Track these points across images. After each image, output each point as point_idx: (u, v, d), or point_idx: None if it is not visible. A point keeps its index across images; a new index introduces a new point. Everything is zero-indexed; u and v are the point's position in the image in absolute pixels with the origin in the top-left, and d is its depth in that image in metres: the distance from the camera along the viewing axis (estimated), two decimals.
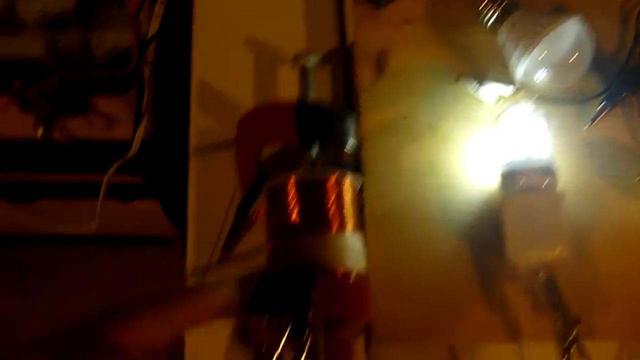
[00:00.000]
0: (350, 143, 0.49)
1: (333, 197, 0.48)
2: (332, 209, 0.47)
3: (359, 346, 0.52)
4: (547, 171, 0.50)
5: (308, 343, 0.44)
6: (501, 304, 0.51)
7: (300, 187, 0.47)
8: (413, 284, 0.51)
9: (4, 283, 1.46)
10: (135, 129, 1.00)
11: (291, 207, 0.47)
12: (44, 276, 1.46)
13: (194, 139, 0.57)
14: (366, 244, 0.46)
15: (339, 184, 0.48)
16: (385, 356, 0.52)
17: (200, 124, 0.58)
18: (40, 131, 0.95)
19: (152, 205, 1.21)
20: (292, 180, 0.47)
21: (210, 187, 0.57)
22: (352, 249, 0.46)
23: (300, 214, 0.46)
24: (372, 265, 0.44)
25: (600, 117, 0.56)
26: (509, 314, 0.51)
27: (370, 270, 0.44)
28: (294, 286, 0.41)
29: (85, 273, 1.47)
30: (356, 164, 0.52)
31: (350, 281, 0.42)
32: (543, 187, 0.50)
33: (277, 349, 0.43)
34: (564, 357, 0.48)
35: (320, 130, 0.47)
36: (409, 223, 0.53)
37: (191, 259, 0.53)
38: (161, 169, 1.10)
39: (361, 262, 0.46)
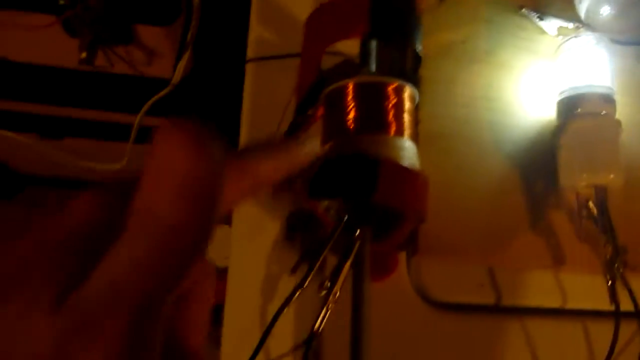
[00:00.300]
0: (418, 49, 0.49)
1: (392, 102, 0.48)
2: (391, 113, 0.48)
3: (401, 258, 0.52)
4: (606, 99, 0.50)
5: (357, 244, 0.45)
6: (546, 230, 0.51)
7: (360, 90, 0.47)
8: (461, 202, 0.51)
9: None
10: (175, 65, 1.00)
11: (350, 107, 0.47)
12: None
13: (251, 49, 0.58)
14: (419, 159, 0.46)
15: (399, 92, 0.48)
16: (425, 269, 0.52)
17: (258, 34, 0.58)
18: (83, 55, 0.96)
19: None
20: (351, 84, 0.48)
21: (265, 98, 0.57)
22: (410, 151, 0.46)
23: (358, 114, 0.47)
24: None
25: None
26: (554, 240, 0.51)
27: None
28: (359, 169, 0.41)
29: None
30: (416, 80, 0.52)
31: (413, 173, 0.42)
32: (601, 115, 0.49)
33: (328, 243, 0.44)
34: (608, 282, 0.48)
35: (394, 25, 0.47)
36: (461, 143, 0.53)
37: None
38: (199, 112, 1.11)
39: (417, 165, 0.46)
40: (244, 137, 0.55)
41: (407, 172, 0.42)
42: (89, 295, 0.16)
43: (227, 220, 0.66)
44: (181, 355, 0.23)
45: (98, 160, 1.19)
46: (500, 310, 0.53)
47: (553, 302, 0.53)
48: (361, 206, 0.45)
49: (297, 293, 0.42)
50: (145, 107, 1.04)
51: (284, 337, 0.50)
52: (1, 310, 0.16)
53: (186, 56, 1.00)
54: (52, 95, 1.16)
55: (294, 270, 0.41)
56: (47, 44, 1.05)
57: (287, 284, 0.49)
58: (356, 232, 0.45)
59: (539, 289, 0.53)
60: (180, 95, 1.03)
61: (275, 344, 0.49)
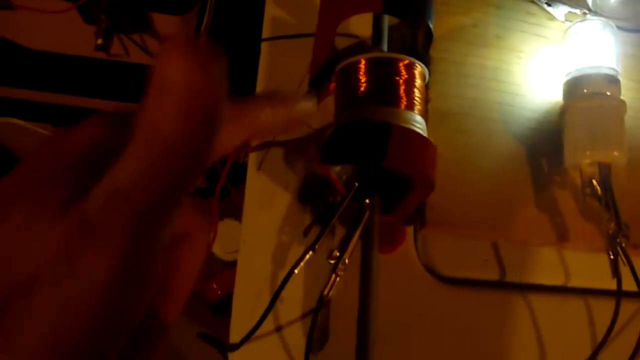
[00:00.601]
0: (430, 28, 0.51)
1: (403, 78, 0.50)
2: (402, 88, 0.49)
3: (409, 232, 0.54)
4: (610, 80, 0.51)
5: (366, 214, 0.46)
6: (551, 208, 0.53)
7: (372, 64, 0.49)
8: (468, 179, 0.52)
9: None
10: None
11: (362, 81, 0.49)
12: None
13: (266, 28, 0.59)
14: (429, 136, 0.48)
15: (410, 68, 0.50)
16: (431, 243, 0.54)
17: (273, 13, 0.60)
18: (99, 41, 0.97)
19: None
20: (364, 59, 0.49)
21: (279, 77, 0.59)
22: (420, 125, 0.48)
23: (370, 88, 0.48)
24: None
25: None
26: (558, 218, 0.53)
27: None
28: (371, 134, 0.42)
29: None
30: (426, 59, 0.54)
31: (423, 140, 0.44)
32: (607, 95, 0.51)
33: (339, 208, 0.45)
34: (611, 258, 0.49)
35: (407, 3, 0.49)
36: (470, 122, 0.54)
37: None
38: None
39: (424, 135, 0.47)
40: None
41: (417, 137, 0.44)
42: (94, 202, 0.17)
43: (236, 216, 0.67)
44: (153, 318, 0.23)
45: None
46: (503, 286, 0.54)
47: (556, 279, 0.54)
48: (372, 173, 0.46)
49: (307, 256, 0.44)
50: None
51: (294, 303, 0.51)
52: (7, 217, 0.17)
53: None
54: (67, 84, 1.18)
55: (305, 233, 0.43)
56: (63, 30, 1.07)
57: (297, 252, 0.51)
58: (365, 201, 0.47)
59: (543, 265, 0.54)
60: None
61: (285, 310, 0.51)
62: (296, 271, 0.43)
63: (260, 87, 0.58)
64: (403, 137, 0.42)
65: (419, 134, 0.44)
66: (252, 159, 0.55)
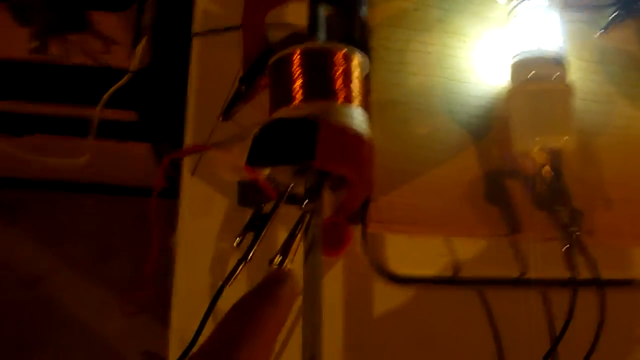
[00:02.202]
0: (363, 13, 0.47)
1: (341, 69, 0.47)
2: (339, 80, 0.46)
3: (356, 232, 0.51)
4: (558, 62, 0.49)
5: (307, 217, 0.43)
6: (503, 198, 0.50)
7: (307, 57, 0.46)
8: (416, 172, 0.50)
9: None
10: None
11: (296, 75, 0.46)
12: (32, 219, 1.44)
13: (197, 22, 0.56)
14: (371, 129, 0.45)
15: (348, 59, 0.47)
16: (381, 240, 0.51)
17: (203, 7, 0.56)
18: (34, 44, 0.92)
19: (144, 149, 1.19)
20: (298, 51, 0.46)
21: (212, 71, 0.55)
22: (358, 118, 0.45)
23: (305, 82, 0.45)
24: (376, 151, 0.43)
25: (613, 25, 0.55)
26: (510, 208, 0.50)
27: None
28: (297, 133, 0.39)
29: (73, 220, 1.45)
30: (365, 48, 0.51)
31: (355, 136, 0.41)
32: (553, 78, 0.48)
33: (271, 214, 0.42)
34: (564, 247, 0.47)
35: None
36: (414, 112, 0.51)
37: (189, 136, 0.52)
38: (157, 105, 1.08)
39: (366, 132, 0.44)
40: (190, 114, 0.53)
41: (348, 134, 0.41)
42: None
43: None
44: None
45: (62, 156, 1.16)
46: (458, 283, 0.51)
47: (511, 272, 0.52)
48: (305, 174, 0.43)
49: (241, 267, 0.40)
50: (104, 98, 1.01)
51: None
52: None
53: (143, 42, 0.97)
54: (9, 89, 1.12)
55: (238, 243, 0.40)
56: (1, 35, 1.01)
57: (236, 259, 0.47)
58: (304, 203, 0.44)
59: (496, 258, 0.52)
60: (142, 85, 1.00)
61: None
62: (229, 286, 0.40)
63: (193, 85, 0.55)
64: (332, 134, 0.39)
65: (350, 130, 0.41)
66: (187, 163, 0.51)
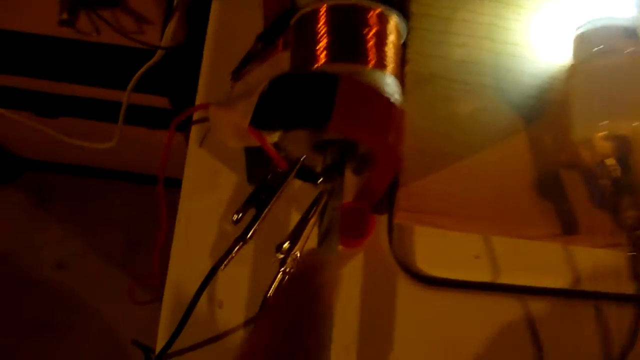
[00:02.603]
0: None
1: (374, 30, 0.40)
2: (371, 42, 0.39)
3: (381, 221, 0.44)
4: (630, 34, 0.41)
5: (324, 201, 0.37)
6: (557, 193, 0.43)
7: (335, 13, 0.39)
8: (455, 157, 0.43)
9: (24, 206, 1.44)
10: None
11: (321, 34, 0.39)
12: (64, 204, 1.43)
13: None
14: (405, 104, 0.38)
15: (383, 20, 0.40)
16: (409, 234, 0.44)
17: None
18: (64, 15, 0.89)
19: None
20: (325, 6, 0.40)
21: (230, 32, 0.49)
22: (390, 86, 0.38)
23: (331, 42, 0.39)
24: (409, 130, 0.36)
25: None
26: (565, 205, 0.42)
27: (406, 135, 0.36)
28: (312, 89, 0.32)
29: (105, 208, 1.44)
30: (404, 13, 0.44)
31: (383, 98, 0.34)
32: (625, 52, 0.41)
33: (277, 190, 0.35)
34: (631, 255, 0.39)
35: None
36: (457, 88, 0.44)
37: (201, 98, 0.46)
38: (190, 92, 1.03)
39: (398, 100, 0.38)
40: (204, 76, 0.47)
41: (375, 93, 0.34)
42: None
43: None
44: None
45: (91, 140, 1.14)
46: (497, 289, 0.44)
47: (561, 281, 0.44)
48: (324, 149, 0.36)
49: (238, 248, 0.34)
50: (134, 79, 0.97)
51: (235, 307, 0.42)
52: None
53: (174, 21, 0.92)
54: (39, 67, 1.10)
55: (236, 220, 0.33)
56: (27, 6, 0.98)
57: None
58: (319, 180, 0.37)
59: (545, 264, 0.44)
60: (175, 68, 0.95)
61: (225, 315, 0.41)
62: (222, 268, 0.33)
63: (209, 45, 0.49)
64: (355, 91, 0.33)
65: (378, 90, 0.34)
66: (194, 133, 0.45)
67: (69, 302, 1.34)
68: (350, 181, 0.44)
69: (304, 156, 0.35)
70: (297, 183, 0.42)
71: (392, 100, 0.33)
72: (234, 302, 0.41)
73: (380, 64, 0.39)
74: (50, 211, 1.45)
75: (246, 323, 0.41)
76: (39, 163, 1.44)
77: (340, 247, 0.43)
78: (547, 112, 0.44)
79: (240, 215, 0.33)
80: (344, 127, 0.31)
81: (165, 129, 0.48)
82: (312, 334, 0.24)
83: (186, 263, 0.42)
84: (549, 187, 0.43)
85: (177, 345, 0.40)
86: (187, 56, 0.97)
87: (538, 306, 0.44)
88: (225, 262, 0.33)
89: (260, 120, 0.32)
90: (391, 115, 0.33)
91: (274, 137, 0.33)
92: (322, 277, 0.26)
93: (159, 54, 0.92)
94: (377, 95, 0.32)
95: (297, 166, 0.34)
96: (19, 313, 1.34)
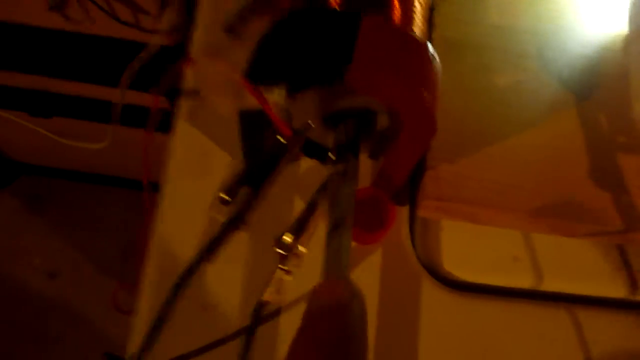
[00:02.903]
0: None
1: None
2: None
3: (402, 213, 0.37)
4: None
5: (335, 185, 0.29)
6: (615, 183, 0.35)
7: None
8: (490, 135, 0.35)
9: (18, 211, 1.40)
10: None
11: None
12: (59, 210, 1.39)
13: None
14: None
15: None
16: (434, 233, 0.37)
17: None
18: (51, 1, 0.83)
19: None
20: None
21: None
22: None
23: None
24: (439, 105, 0.29)
25: None
26: (625, 198, 0.35)
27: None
28: (327, 29, 0.25)
29: (100, 214, 1.40)
30: None
31: (416, 41, 0.26)
32: None
33: (280, 160, 0.28)
34: None
35: None
36: (493, 57, 0.37)
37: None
38: None
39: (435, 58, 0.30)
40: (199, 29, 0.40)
41: (407, 37, 0.27)
42: None
43: None
44: None
45: (85, 141, 1.08)
46: (540, 297, 0.37)
47: (616, 289, 0.37)
48: (337, 124, 0.29)
49: (225, 237, 0.27)
50: (127, 74, 0.90)
51: (228, 311, 0.34)
52: None
53: (171, 10, 0.86)
54: (30, 62, 1.05)
55: (225, 202, 0.26)
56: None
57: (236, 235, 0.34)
58: (329, 158, 0.30)
59: (598, 269, 0.37)
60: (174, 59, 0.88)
61: (216, 320, 0.34)
62: (207, 261, 0.26)
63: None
64: (380, 34, 0.25)
65: (409, 32, 0.27)
66: (183, 106, 0.38)
67: (61, 312, 1.31)
68: (366, 164, 0.37)
69: (312, 124, 0.27)
70: (303, 163, 0.35)
71: (430, 51, 0.26)
72: (222, 305, 0.34)
73: (407, 21, 0.31)
74: (44, 217, 1.41)
75: (237, 333, 0.34)
76: (33, 167, 1.40)
77: (353, 244, 0.35)
78: (599, 86, 0.37)
79: (230, 192, 0.26)
80: (367, 75, 0.24)
81: (165, 132, 0.42)
82: None
83: (167, 259, 0.35)
84: (604, 176, 0.36)
85: (155, 357, 0.33)
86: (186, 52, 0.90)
87: (588, 318, 0.36)
88: (210, 254, 0.26)
89: (259, 72, 0.25)
90: (426, 65, 0.26)
91: (275, 96, 0.26)
92: (351, 314, 0.21)
93: (154, 47, 0.86)
94: (410, 39, 0.25)
95: (305, 134, 0.26)
96: (10, 322, 1.29)
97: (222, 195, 0.26)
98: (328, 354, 0.19)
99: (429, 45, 0.26)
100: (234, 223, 0.26)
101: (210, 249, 0.25)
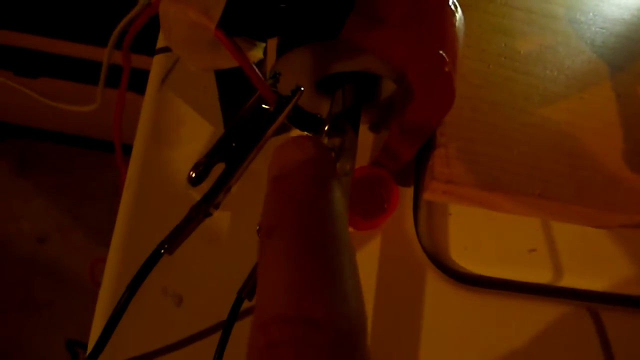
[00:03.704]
0: None
1: None
2: None
3: (405, 195, 0.32)
4: None
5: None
6: None
7: None
8: (514, 110, 0.30)
9: (7, 175, 1.36)
10: None
11: None
12: (48, 174, 1.35)
13: None
14: None
15: None
16: (443, 215, 0.32)
17: None
18: None
19: None
20: None
21: None
22: None
23: None
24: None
25: None
26: None
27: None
28: None
29: (90, 179, 1.36)
30: None
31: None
32: None
33: (264, 131, 0.23)
34: None
35: None
36: (516, 18, 0.32)
37: None
38: None
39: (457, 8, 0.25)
40: None
41: None
42: None
43: None
44: None
45: (73, 103, 1.03)
46: (559, 293, 0.32)
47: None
48: (331, 79, 0.24)
49: (195, 222, 0.22)
50: (115, 33, 0.84)
51: (201, 306, 0.30)
52: None
53: None
54: (21, 19, 1.00)
55: (195, 180, 0.21)
56: None
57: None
58: (324, 127, 0.25)
59: (625, 262, 0.33)
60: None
61: (187, 316, 0.30)
62: (172, 250, 0.21)
63: None
64: None
65: None
66: (155, 68, 0.33)
67: (50, 277, 1.29)
68: (366, 138, 0.32)
69: (301, 89, 0.22)
70: (293, 135, 0.30)
71: (451, 0, 0.21)
72: (198, 297, 0.30)
73: None
74: (33, 181, 1.37)
75: (214, 328, 0.29)
76: (21, 129, 1.36)
77: (350, 229, 0.31)
78: (638, 55, 0.32)
79: (202, 170, 0.21)
80: (371, 27, 0.19)
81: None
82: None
83: (136, 242, 0.30)
84: None
85: (123, 353, 0.29)
86: None
87: (612, 319, 0.32)
88: (176, 241, 0.21)
89: (236, 20, 0.19)
90: (447, 19, 0.21)
91: (257, 52, 0.21)
92: (327, 169, 0.17)
93: (145, 4, 0.80)
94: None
95: (294, 100, 0.22)
96: None
97: (192, 172, 0.21)
98: (303, 213, 0.16)
99: None
100: (202, 209, 0.21)
101: (170, 240, 0.21)
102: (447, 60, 0.20)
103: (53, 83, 1.08)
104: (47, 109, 1.04)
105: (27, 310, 1.27)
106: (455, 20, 0.21)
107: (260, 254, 0.16)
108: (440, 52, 0.20)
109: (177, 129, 0.32)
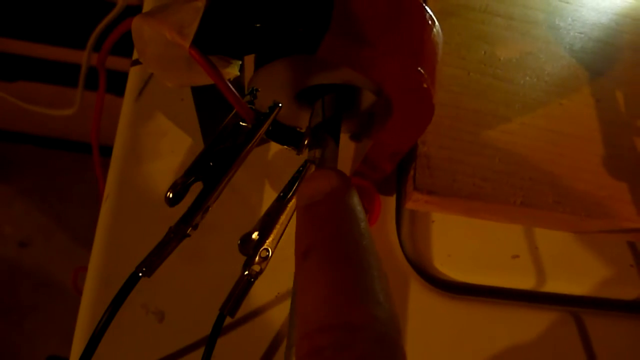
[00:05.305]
0: None
1: None
2: None
3: (387, 204, 0.32)
4: None
5: (306, 167, 0.25)
6: (629, 171, 0.31)
7: None
8: (495, 118, 0.30)
9: None
10: None
11: None
12: (29, 177, 1.34)
13: None
14: None
15: None
16: (424, 228, 0.32)
17: None
18: None
19: None
20: None
21: None
22: None
23: None
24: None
25: None
26: None
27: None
28: None
29: (72, 181, 1.35)
30: None
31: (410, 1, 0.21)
32: None
33: (242, 150, 0.23)
34: None
35: None
36: (496, 25, 0.32)
37: None
38: None
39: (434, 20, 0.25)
40: None
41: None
42: None
43: None
44: None
45: (51, 107, 1.02)
46: (543, 299, 0.32)
47: (628, 291, 0.33)
48: (310, 91, 0.24)
49: (173, 243, 0.22)
50: (94, 35, 0.83)
51: (184, 322, 0.30)
52: None
53: None
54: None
55: (173, 199, 0.21)
56: None
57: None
58: (304, 141, 0.25)
59: (607, 268, 0.33)
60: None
61: (170, 332, 0.29)
62: (149, 274, 0.21)
63: None
64: None
65: None
66: (131, 81, 0.32)
67: (34, 281, 1.28)
68: (347, 148, 0.32)
69: (279, 105, 0.22)
70: (271, 148, 0.29)
71: (428, 13, 0.21)
72: (180, 314, 0.29)
73: None
74: (13, 185, 1.36)
75: (196, 344, 0.29)
76: (1, 132, 1.34)
77: None
78: (617, 61, 0.32)
79: (179, 190, 0.21)
80: (348, 44, 0.18)
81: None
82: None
83: (116, 255, 0.30)
84: (620, 164, 0.31)
85: None
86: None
87: (595, 323, 0.32)
88: (154, 264, 0.21)
89: (210, 38, 0.19)
90: (424, 32, 0.20)
91: (233, 70, 0.21)
92: (350, 201, 0.19)
93: (122, 7, 0.79)
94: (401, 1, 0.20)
95: (272, 117, 0.21)
96: None
97: (169, 193, 0.21)
98: (333, 235, 0.18)
99: (427, 7, 0.21)
100: (180, 230, 0.21)
101: (148, 263, 0.20)
102: (426, 76, 0.20)
103: (31, 86, 1.07)
104: (26, 113, 1.03)
105: (14, 313, 1.26)
106: (433, 33, 0.21)
107: (298, 275, 0.18)
108: (419, 68, 0.19)
109: (156, 140, 0.31)
